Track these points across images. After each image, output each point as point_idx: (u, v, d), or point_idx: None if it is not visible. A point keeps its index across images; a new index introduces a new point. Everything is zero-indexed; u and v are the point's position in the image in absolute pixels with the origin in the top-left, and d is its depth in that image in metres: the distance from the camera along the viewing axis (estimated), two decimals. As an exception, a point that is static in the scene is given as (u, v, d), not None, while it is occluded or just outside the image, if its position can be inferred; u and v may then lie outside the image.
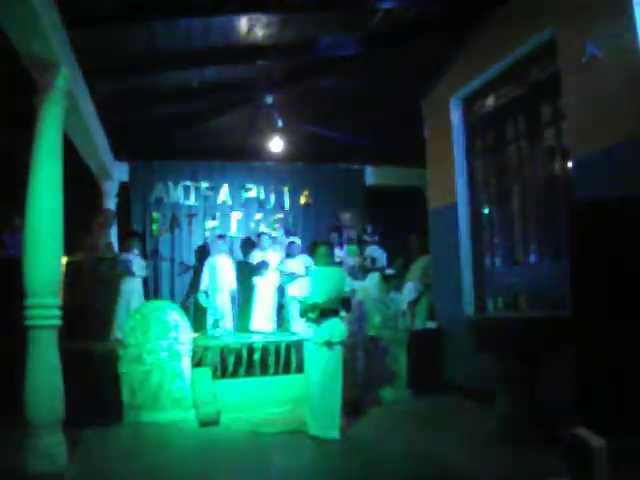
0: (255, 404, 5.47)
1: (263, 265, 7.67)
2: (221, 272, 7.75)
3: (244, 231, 8.94)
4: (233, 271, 7.88)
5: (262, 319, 7.57)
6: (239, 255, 8.63)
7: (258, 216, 9.08)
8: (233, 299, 7.96)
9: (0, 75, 5.08)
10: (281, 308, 7.94)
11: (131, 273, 7.28)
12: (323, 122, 7.88)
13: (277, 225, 9.11)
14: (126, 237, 7.82)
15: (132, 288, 7.29)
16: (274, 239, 8.40)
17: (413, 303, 7.30)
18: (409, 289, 7.37)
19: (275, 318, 7.77)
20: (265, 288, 7.73)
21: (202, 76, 6.31)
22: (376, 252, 8.05)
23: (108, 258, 7.53)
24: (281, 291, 7.91)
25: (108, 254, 7.63)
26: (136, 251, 7.56)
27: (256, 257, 7.89)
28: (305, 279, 4.84)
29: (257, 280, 7.76)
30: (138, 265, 7.47)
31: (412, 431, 4.76)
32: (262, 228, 8.90)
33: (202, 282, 7.84)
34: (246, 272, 7.95)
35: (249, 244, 8.61)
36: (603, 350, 3.38)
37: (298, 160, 9.27)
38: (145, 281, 8.18)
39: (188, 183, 8.79)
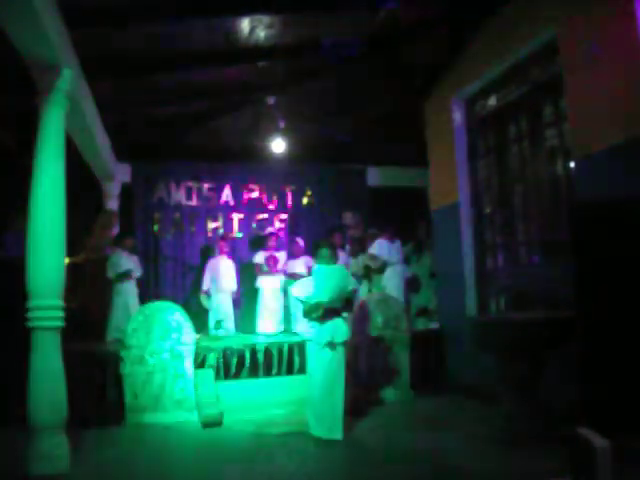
0: (258, 405, 5.47)
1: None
2: (222, 273, 7.77)
3: (246, 232, 8.93)
4: (234, 272, 7.89)
5: (268, 322, 7.55)
6: (241, 256, 8.63)
7: (260, 216, 9.08)
8: (234, 300, 7.97)
9: (1, 76, 5.08)
10: (284, 309, 7.93)
11: (131, 277, 7.28)
12: (325, 122, 7.87)
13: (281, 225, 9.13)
14: (120, 236, 7.77)
15: (128, 288, 7.27)
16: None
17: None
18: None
19: (282, 320, 7.77)
20: (270, 290, 7.72)
21: (203, 76, 6.31)
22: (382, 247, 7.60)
23: (105, 259, 7.53)
24: (284, 292, 7.92)
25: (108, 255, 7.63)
26: (128, 250, 7.52)
27: (260, 258, 7.88)
28: (308, 279, 4.82)
29: (261, 282, 7.75)
30: (135, 264, 7.44)
31: (415, 431, 4.74)
32: (269, 229, 8.89)
33: (204, 283, 7.86)
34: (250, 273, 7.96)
35: (255, 244, 8.60)
36: (606, 350, 3.38)
37: (300, 161, 9.27)
38: (147, 281, 8.20)
39: (190, 184, 8.79)
